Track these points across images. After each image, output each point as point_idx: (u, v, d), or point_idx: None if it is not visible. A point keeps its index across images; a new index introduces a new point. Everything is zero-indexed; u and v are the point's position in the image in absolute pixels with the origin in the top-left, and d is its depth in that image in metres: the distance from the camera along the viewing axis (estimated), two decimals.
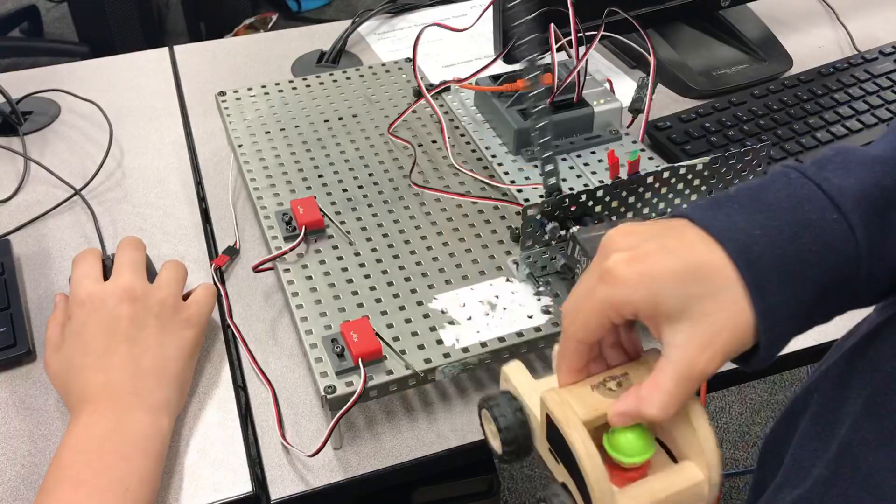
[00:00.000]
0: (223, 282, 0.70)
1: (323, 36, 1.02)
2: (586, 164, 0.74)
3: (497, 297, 0.62)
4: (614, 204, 0.62)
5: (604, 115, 0.76)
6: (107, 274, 0.62)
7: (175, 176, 0.82)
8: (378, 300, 0.61)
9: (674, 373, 0.36)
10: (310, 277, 0.63)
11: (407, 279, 0.63)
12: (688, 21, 0.98)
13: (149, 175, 0.82)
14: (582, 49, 0.75)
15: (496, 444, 0.43)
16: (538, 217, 0.60)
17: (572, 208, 0.60)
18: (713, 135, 0.83)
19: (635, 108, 0.80)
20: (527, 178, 0.73)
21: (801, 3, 1.09)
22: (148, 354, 0.58)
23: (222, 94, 0.83)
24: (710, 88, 0.92)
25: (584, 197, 0.60)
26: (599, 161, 0.74)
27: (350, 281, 0.63)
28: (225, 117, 0.80)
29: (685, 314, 0.35)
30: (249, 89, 0.83)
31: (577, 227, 0.60)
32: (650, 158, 0.75)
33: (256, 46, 1.02)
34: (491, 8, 0.85)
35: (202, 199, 0.79)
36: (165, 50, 1.01)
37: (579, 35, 0.76)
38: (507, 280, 0.63)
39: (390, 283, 0.63)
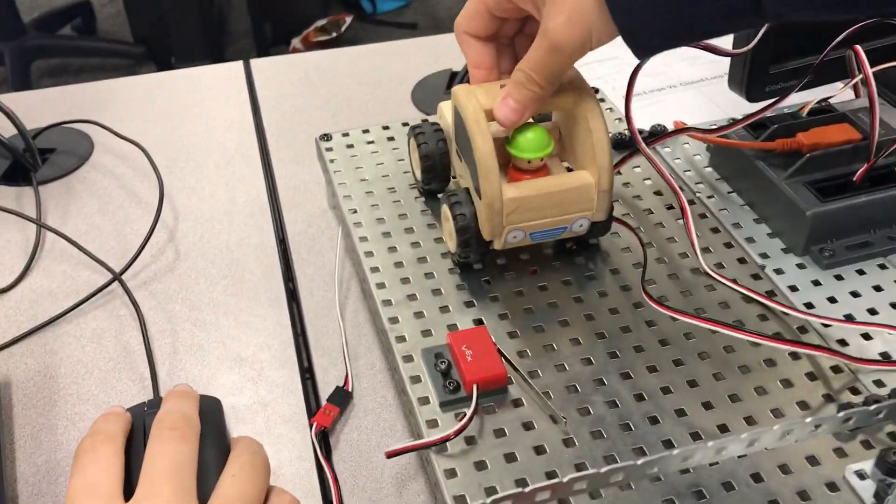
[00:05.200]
0: (329, 456, 0.43)
1: (450, 50, 0.75)
2: None
3: None
4: None
5: None
6: (136, 457, 0.34)
7: (252, 258, 0.55)
8: None
9: (542, 43, 0.38)
10: (482, 467, 0.36)
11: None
12: None
13: (214, 255, 0.55)
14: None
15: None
16: None
17: None
18: None
19: None
20: (831, 301, 0.44)
21: None
22: None
23: (326, 137, 0.56)
24: None
25: None
26: None
27: (552, 476, 0.35)
28: (332, 173, 0.53)
29: None
30: (365, 131, 0.56)
31: None
32: None
33: (361, 62, 0.75)
34: None
35: (294, 299, 0.52)
36: (239, 64, 0.74)
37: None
38: None
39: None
